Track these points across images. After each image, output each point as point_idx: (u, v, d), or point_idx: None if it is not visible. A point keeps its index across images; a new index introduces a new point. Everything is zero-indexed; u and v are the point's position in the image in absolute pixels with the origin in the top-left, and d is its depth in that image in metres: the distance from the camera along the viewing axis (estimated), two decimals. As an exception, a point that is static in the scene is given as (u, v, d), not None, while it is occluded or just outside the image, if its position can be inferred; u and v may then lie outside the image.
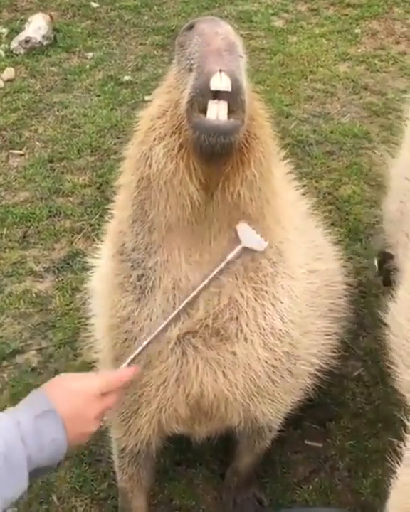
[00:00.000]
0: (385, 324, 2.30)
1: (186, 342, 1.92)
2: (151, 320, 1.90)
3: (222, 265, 1.81)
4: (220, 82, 1.53)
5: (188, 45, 1.61)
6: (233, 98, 1.56)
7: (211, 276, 1.82)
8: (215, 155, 1.59)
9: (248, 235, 1.80)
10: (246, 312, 1.94)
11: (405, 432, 1.96)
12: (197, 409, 2.07)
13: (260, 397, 2.11)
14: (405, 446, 1.92)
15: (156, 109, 1.68)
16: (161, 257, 1.82)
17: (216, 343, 1.94)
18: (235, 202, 1.71)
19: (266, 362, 2.04)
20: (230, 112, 1.57)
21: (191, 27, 1.63)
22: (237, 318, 1.93)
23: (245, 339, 1.97)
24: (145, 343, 1.86)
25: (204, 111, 1.57)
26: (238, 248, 1.81)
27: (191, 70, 1.59)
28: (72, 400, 1.67)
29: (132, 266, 1.89)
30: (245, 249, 1.82)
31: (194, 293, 1.83)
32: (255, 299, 1.94)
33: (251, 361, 2.01)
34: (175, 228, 1.76)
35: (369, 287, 3.35)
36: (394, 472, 1.92)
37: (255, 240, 1.82)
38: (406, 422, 1.98)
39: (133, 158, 1.76)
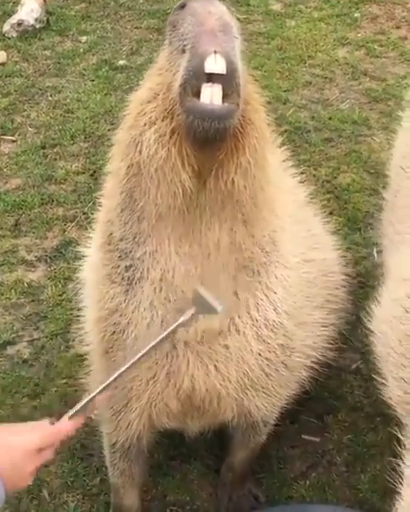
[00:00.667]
0: (369, 331, 2.17)
1: (175, 334, 1.85)
2: (139, 312, 1.84)
3: (173, 327, 1.74)
4: (214, 65, 1.46)
5: (181, 25, 1.53)
6: (227, 81, 1.49)
7: (162, 336, 1.72)
8: (209, 141, 1.51)
9: (204, 300, 1.72)
10: (238, 303, 1.88)
11: (402, 448, 1.87)
12: (189, 403, 2.01)
13: (254, 390, 2.06)
14: (404, 464, 1.81)
15: (146, 92, 1.60)
16: (150, 247, 1.75)
17: (206, 335, 1.87)
18: (228, 190, 1.64)
19: (260, 354, 1.99)
20: (225, 95, 1.50)
21: (183, 6, 1.55)
22: (229, 309, 1.86)
23: (238, 331, 1.92)
24: (97, 390, 1.71)
25: (197, 94, 1.49)
26: (190, 312, 1.73)
27: (184, 51, 1.51)
28: (8, 455, 1.59)
29: (120, 256, 1.83)
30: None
31: (146, 349, 1.72)
32: (247, 290, 1.89)
33: (244, 354, 1.96)
34: (165, 217, 1.68)
35: (367, 278, 3.28)
36: (393, 468, 1.85)
37: (210, 305, 1.73)
38: (401, 437, 1.89)
39: (122, 144, 1.68)
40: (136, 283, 1.81)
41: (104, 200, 1.95)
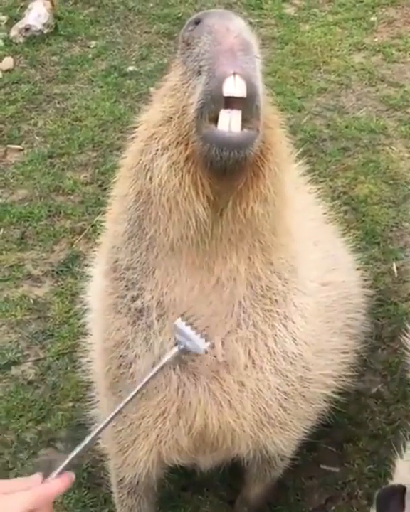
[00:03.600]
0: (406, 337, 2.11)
1: (187, 369, 1.74)
2: (147, 345, 1.72)
3: (157, 368, 1.67)
4: (234, 88, 1.33)
5: (197, 44, 1.40)
6: (247, 105, 1.36)
7: (148, 378, 1.67)
8: (227, 171, 1.39)
9: (186, 335, 1.65)
10: (254, 336, 1.75)
11: None
12: (201, 440, 1.89)
13: (271, 426, 1.94)
14: None
15: (159, 114, 1.46)
16: (160, 278, 1.63)
17: (221, 369, 1.75)
18: (247, 219, 1.51)
19: (278, 389, 1.87)
20: (244, 120, 1.37)
21: (197, 21, 1.42)
22: (245, 343, 1.74)
23: (254, 365, 1.79)
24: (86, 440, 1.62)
25: (214, 119, 1.36)
26: (175, 351, 1.67)
27: (200, 72, 1.38)
28: None
29: (126, 286, 1.71)
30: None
31: (133, 393, 1.67)
32: (265, 321, 1.76)
33: (261, 389, 1.83)
34: (177, 248, 1.56)
35: (387, 295, 3.15)
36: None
37: (194, 343, 1.66)
38: None
39: (131, 169, 1.56)
40: (143, 315, 1.69)
41: (109, 224, 1.83)
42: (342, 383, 2.34)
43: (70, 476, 1.57)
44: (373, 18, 4.90)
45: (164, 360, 1.66)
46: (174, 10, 5.01)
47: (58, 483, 1.55)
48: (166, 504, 2.49)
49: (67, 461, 1.57)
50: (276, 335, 1.80)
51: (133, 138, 1.59)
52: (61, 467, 1.56)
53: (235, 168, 1.40)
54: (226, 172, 1.40)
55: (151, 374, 1.67)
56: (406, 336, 2.27)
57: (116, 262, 1.74)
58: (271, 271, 1.71)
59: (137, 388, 1.66)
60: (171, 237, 1.52)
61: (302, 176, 2.37)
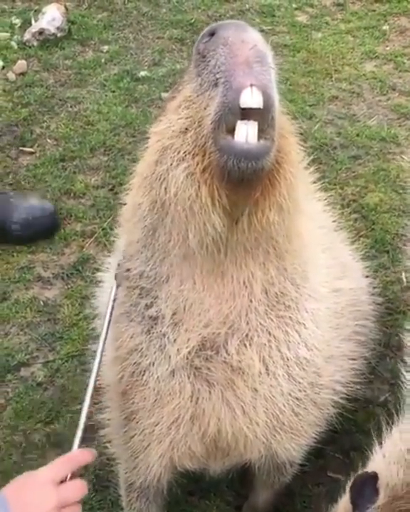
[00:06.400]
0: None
1: (201, 376, 1.75)
2: (162, 353, 1.73)
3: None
4: (251, 99, 1.35)
5: (212, 57, 1.41)
6: (264, 116, 1.38)
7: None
8: (244, 181, 1.41)
9: None
10: (268, 342, 1.77)
11: None
12: (213, 446, 1.90)
13: (283, 432, 1.95)
14: None
15: (174, 125, 1.48)
16: (174, 286, 1.65)
17: (235, 377, 1.76)
18: (263, 227, 1.53)
19: (290, 395, 1.88)
20: (260, 130, 1.39)
21: (212, 33, 1.43)
22: (259, 349, 1.75)
23: (268, 371, 1.80)
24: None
25: (231, 130, 1.38)
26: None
27: (216, 84, 1.40)
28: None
29: (140, 294, 1.73)
30: None
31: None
32: (278, 327, 1.78)
33: (274, 395, 1.84)
34: (191, 257, 1.58)
35: (396, 303, 3.16)
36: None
37: None
38: None
39: (145, 178, 1.57)
40: (158, 323, 1.71)
41: (122, 232, 1.84)
42: (350, 390, 2.35)
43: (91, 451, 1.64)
44: (385, 27, 4.91)
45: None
46: (187, 16, 5.03)
47: (81, 451, 1.63)
48: (173, 508, 2.49)
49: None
50: (289, 341, 1.81)
51: (147, 147, 1.60)
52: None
53: (252, 179, 1.42)
54: (243, 182, 1.42)
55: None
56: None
57: (128, 270, 1.75)
58: (285, 277, 1.72)
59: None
60: (187, 246, 1.54)
61: (313, 184, 2.38)
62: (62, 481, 1.58)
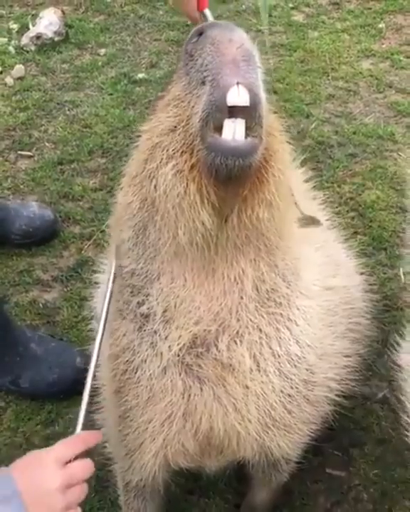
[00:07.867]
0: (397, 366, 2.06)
1: (192, 373, 1.76)
2: (154, 350, 1.74)
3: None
4: (238, 97, 1.36)
5: (200, 56, 1.43)
6: (251, 114, 1.39)
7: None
8: (232, 178, 1.42)
9: None
10: (259, 338, 1.77)
11: None
12: (206, 444, 1.90)
13: (276, 429, 1.94)
14: None
15: (163, 124, 1.50)
16: (165, 283, 1.66)
17: (226, 373, 1.77)
18: (253, 224, 1.54)
19: (282, 391, 1.88)
20: (247, 128, 1.40)
21: (200, 33, 1.46)
22: (250, 346, 1.76)
23: (259, 368, 1.81)
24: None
25: (218, 128, 1.40)
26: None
27: (203, 82, 1.42)
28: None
29: (131, 292, 1.73)
30: None
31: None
32: (269, 324, 1.78)
33: (266, 392, 1.84)
34: (182, 254, 1.59)
35: (394, 300, 3.16)
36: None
37: None
38: None
39: (135, 177, 1.59)
40: (149, 320, 1.72)
41: (112, 231, 1.86)
42: (346, 387, 2.35)
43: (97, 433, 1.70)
44: (381, 25, 4.91)
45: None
46: (184, 18, 5.00)
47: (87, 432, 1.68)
48: (172, 507, 2.50)
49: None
50: (280, 338, 1.81)
51: (137, 146, 1.62)
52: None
53: (240, 176, 1.42)
54: (231, 179, 1.43)
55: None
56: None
57: (119, 266, 1.77)
58: (276, 273, 1.72)
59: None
60: (177, 243, 1.55)
61: (307, 182, 2.39)
62: (67, 462, 1.60)
